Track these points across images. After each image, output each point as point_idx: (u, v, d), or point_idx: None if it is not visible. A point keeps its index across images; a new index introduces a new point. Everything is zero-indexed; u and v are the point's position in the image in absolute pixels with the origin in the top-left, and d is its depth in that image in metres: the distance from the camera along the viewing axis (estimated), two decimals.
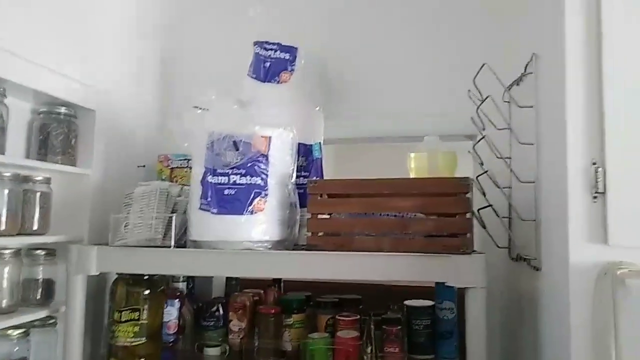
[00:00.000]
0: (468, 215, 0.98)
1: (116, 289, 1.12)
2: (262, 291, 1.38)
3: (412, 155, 1.32)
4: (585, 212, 0.79)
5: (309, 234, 1.04)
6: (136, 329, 1.09)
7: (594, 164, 0.79)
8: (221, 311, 1.32)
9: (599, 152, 0.79)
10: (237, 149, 0.98)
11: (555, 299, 0.87)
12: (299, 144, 1.26)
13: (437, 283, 1.33)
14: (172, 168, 1.42)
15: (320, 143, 1.33)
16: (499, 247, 1.17)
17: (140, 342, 1.09)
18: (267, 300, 1.34)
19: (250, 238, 1.02)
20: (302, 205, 1.12)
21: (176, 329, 1.27)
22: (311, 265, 1.02)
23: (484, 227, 1.10)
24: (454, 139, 1.44)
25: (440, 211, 0.99)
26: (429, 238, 0.98)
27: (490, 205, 1.02)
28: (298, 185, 1.20)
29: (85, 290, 1.09)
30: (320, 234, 1.04)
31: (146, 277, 1.13)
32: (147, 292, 1.11)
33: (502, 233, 1.14)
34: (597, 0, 0.81)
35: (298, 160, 1.24)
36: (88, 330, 1.18)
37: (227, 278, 1.55)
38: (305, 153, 1.29)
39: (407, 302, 1.35)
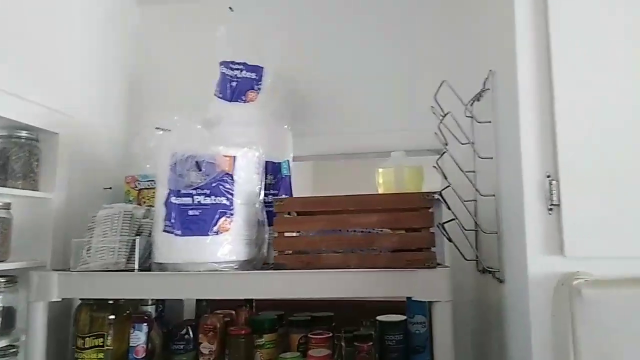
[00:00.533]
0: (432, 230, 0.99)
1: (79, 315, 1.09)
2: (233, 312, 1.36)
3: (380, 170, 1.34)
4: (541, 224, 0.81)
5: (276, 252, 1.04)
6: (100, 355, 1.06)
7: (548, 176, 0.81)
8: (191, 334, 1.30)
9: (552, 165, 0.81)
10: (200, 169, 0.97)
11: (518, 310, 0.89)
12: (267, 162, 1.26)
13: (407, 297, 1.34)
14: (140, 189, 1.41)
15: (288, 161, 1.33)
16: (466, 259, 1.19)
17: None
18: (238, 321, 1.33)
19: (216, 259, 1.01)
20: (271, 223, 1.12)
21: (144, 354, 1.24)
22: (278, 284, 1.02)
23: (450, 240, 1.11)
24: (421, 154, 1.46)
25: (405, 226, 1.00)
26: (394, 253, 0.99)
27: (454, 219, 1.04)
28: (266, 204, 1.20)
29: (46, 317, 1.05)
30: (287, 252, 1.03)
31: (111, 302, 1.10)
32: (112, 317, 1.09)
33: (470, 246, 1.16)
34: (546, 16, 0.84)
35: (266, 179, 1.24)
36: (51, 358, 1.15)
37: (197, 300, 1.53)
38: (273, 171, 1.29)
39: (379, 318, 1.35)
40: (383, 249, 0.99)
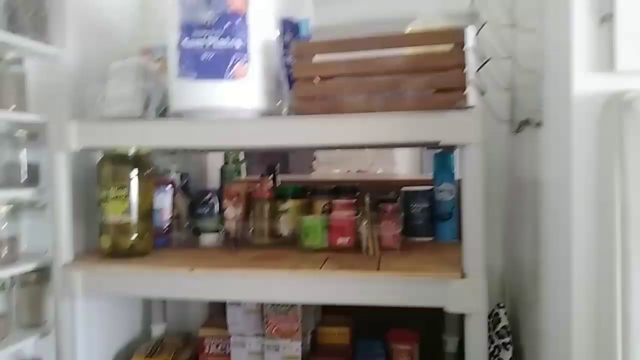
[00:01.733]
0: (464, 69, 0.91)
1: (102, 168, 1.09)
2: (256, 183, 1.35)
3: (409, 29, 1.23)
4: (590, 38, 0.72)
5: (297, 100, 0.98)
6: (125, 205, 1.07)
7: None
8: (216, 199, 1.30)
9: None
10: (209, 3, 0.90)
11: (557, 149, 0.81)
12: (286, 20, 1.18)
13: (435, 165, 1.29)
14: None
15: (308, 20, 1.24)
16: (499, 120, 1.11)
17: (130, 220, 1.07)
18: (261, 190, 1.31)
19: (233, 105, 0.97)
20: (291, 86, 1.06)
21: (170, 217, 1.26)
22: (299, 131, 0.97)
23: (482, 93, 1.03)
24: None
25: (434, 65, 0.92)
26: (422, 95, 0.92)
27: (489, 59, 0.94)
28: (286, 66, 1.13)
29: (69, 169, 1.06)
30: (307, 97, 0.98)
31: (132, 157, 1.09)
32: (134, 170, 1.08)
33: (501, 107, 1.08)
34: None
35: (284, 36, 1.16)
36: (79, 214, 1.17)
37: (221, 170, 1.53)
38: (292, 29, 1.20)
39: (405, 188, 1.32)
40: (409, 91, 0.92)
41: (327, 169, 2.00)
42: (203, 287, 1.01)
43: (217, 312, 1.46)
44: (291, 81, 1.05)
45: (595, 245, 0.71)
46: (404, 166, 1.88)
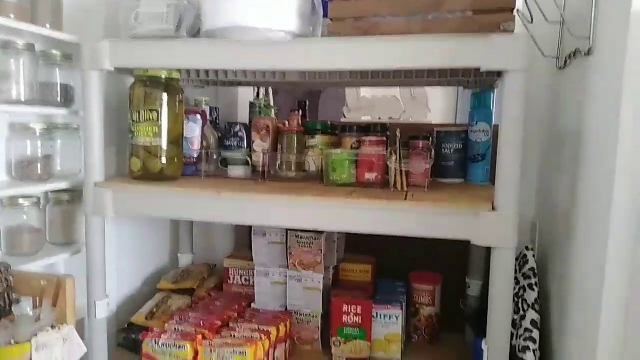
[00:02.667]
0: None
1: (134, 91, 1.09)
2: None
3: None
4: None
5: (331, 21, 0.95)
6: (155, 129, 1.07)
7: None
8: (244, 132, 1.30)
9: None
10: None
11: (607, 81, 0.76)
12: None
13: (472, 103, 1.24)
14: None
15: None
16: (545, 55, 1.04)
17: (160, 144, 1.08)
18: (291, 124, 1.29)
19: (266, 25, 0.93)
20: (326, 14, 1.02)
21: (199, 147, 1.27)
22: (333, 54, 0.94)
23: (530, 21, 0.97)
24: None
25: None
26: (464, 16, 0.87)
27: None
28: None
29: (101, 89, 1.06)
30: (343, 19, 0.94)
31: (164, 80, 1.08)
32: (164, 94, 1.08)
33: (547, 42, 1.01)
34: None
35: None
36: (112, 138, 1.19)
37: (251, 105, 1.52)
38: None
39: (437, 129, 1.28)
40: (451, 12, 0.87)
41: (357, 116, 1.98)
42: (229, 211, 1.02)
43: (243, 244, 1.49)
44: (326, 5, 1.02)
45: (636, 200, 0.67)
46: (437, 115, 1.83)
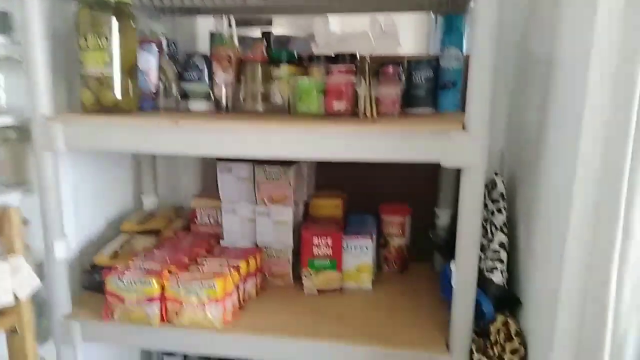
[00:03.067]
0: None
1: (80, 14, 0.99)
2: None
3: None
4: None
5: None
6: (106, 57, 0.99)
7: None
8: (204, 64, 1.22)
9: None
10: None
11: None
12: None
13: (443, 28, 1.20)
14: None
15: None
16: None
17: (112, 74, 1.00)
18: (254, 53, 1.22)
19: None
20: None
21: (157, 80, 1.19)
22: None
23: None
24: None
25: None
26: None
27: None
28: None
29: (44, 14, 0.96)
30: None
31: (113, 4, 0.99)
32: (113, 18, 0.99)
33: None
34: None
35: None
36: (59, 70, 1.10)
37: (211, 35, 1.43)
38: None
39: (408, 58, 1.24)
40: None
41: (325, 52, 1.90)
42: (189, 142, 0.97)
43: (209, 186, 1.45)
44: None
45: (605, 131, 0.65)
46: (408, 49, 1.77)
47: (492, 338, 0.94)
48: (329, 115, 1.07)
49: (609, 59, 0.64)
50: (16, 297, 0.71)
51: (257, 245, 1.26)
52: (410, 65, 1.21)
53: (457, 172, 0.89)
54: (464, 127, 0.85)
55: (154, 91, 1.18)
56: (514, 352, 0.90)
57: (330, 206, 1.33)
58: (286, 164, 1.21)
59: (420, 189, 1.35)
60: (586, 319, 0.70)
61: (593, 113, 0.66)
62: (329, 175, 1.41)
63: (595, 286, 0.67)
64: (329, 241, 1.19)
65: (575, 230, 0.70)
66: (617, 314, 0.65)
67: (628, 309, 0.64)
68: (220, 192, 1.27)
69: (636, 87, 0.60)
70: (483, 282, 0.98)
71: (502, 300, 0.97)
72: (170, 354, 1.52)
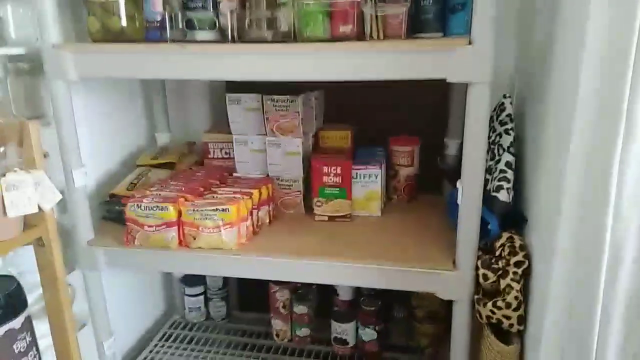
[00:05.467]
0: None
1: None
2: None
3: None
4: None
5: None
6: None
7: None
8: None
9: None
10: None
11: None
12: None
13: None
14: None
15: None
16: None
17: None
18: None
19: None
20: None
21: (162, 10, 1.18)
22: None
23: None
24: None
25: None
26: None
27: None
28: None
29: None
30: None
31: None
32: None
33: None
34: None
35: None
36: (65, 3, 1.10)
37: None
38: None
39: None
40: None
41: None
42: (198, 66, 0.98)
43: (220, 120, 1.47)
44: None
45: (606, 49, 0.63)
46: None
47: (497, 253, 0.96)
48: (335, 38, 1.06)
49: None
50: (40, 210, 0.75)
51: (268, 176, 1.29)
52: None
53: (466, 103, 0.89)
54: (470, 43, 0.84)
55: (159, 20, 1.17)
56: (518, 265, 0.93)
57: (339, 138, 1.35)
58: (294, 93, 1.21)
59: (429, 123, 1.36)
60: (585, 229, 0.71)
61: (595, 28, 0.65)
62: (337, 108, 1.42)
63: (595, 194, 0.68)
64: (339, 170, 1.21)
65: (576, 144, 0.70)
66: (616, 219, 0.66)
67: (626, 217, 0.65)
68: (230, 124, 1.29)
69: (637, 5, 0.59)
70: (490, 200, 0.99)
71: (508, 217, 0.99)
72: (189, 284, 1.59)
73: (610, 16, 0.63)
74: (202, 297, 1.61)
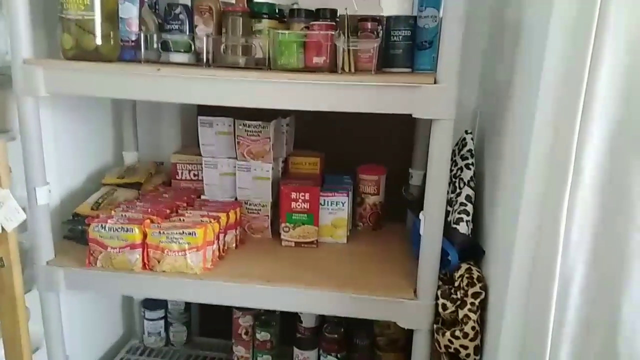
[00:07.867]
0: None
1: None
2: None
3: None
4: None
5: None
6: (87, 0, 0.99)
7: None
8: (186, 15, 1.22)
9: None
10: None
11: None
12: None
13: None
14: None
15: None
16: None
17: (93, 18, 1.01)
18: (235, 4, 1.23)
19: None
20: None
21: (138, 31, 1.19)
22: None
23: None
24: None
25: None
26: None
27: None
28: None
29: None
30: None
31: None
32: None
33: None
34: None
35: None
36: (41, 16, 1.09)
37: None
38: None
39: (386, 14, 1.26)
40: None
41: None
42: (170, 89, 0.99)
43: (189, 142, 1.47)
44: None
45: (560, 90, 0.68)
46: (390, 11, 1.80)
47: (456, 283, 1.00)
48: (308, 69, 1.09)
49: (567, 19, 0.67)
50: (2, 230, 0.73)
51: (236, 199, 1.29)
52: (388, 23, 1.24)
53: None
54: (435, 82, 0.89)
55: (134, 40, 1.18)
56: (475, 295, 0.96)
57: (309, 164, 1.37)
58: (266, 119, 1.23)
59: (395, 152, 1.40)
60: (537, 262, 0.75)
61: (549, 72, 0.70)
62: (307, 135, 1.45)
63: (546, 231, 0.72)
64: (307, 196, 1.23)
65: (530, 184, 0.74)
66: (565, 253, 0.70)
67: (574, 251, 0.69)
68: (200, 146, 1.29)
69: (588, 50, 0.64)
70: (450, 232, 1.03)
71: (467, 249, 1.03)
72: (150, 307, 1.56)
73: (565, 59, 0.68)
74: (162, 321, 1.57)
